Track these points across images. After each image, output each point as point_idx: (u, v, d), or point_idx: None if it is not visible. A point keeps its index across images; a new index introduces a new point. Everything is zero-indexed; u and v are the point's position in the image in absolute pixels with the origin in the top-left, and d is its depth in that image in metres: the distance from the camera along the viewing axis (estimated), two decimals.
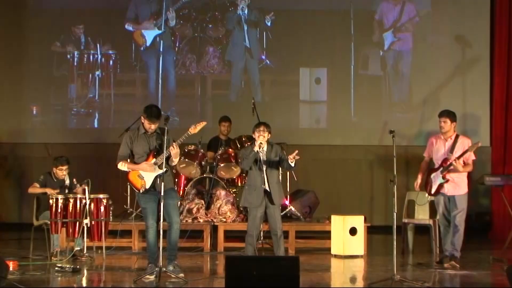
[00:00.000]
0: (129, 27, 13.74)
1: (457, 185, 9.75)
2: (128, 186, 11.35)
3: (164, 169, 8.90)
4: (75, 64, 13.85)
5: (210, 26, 13.92)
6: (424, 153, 10.11)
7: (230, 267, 7.61)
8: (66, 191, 10.56)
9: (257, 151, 9.32)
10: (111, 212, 10.46)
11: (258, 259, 8.40)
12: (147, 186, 8.97)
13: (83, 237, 10.12)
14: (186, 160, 11.56)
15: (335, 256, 10.71)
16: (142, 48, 13.75)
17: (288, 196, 11.80)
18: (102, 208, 10.15)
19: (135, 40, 13.79)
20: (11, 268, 8.96)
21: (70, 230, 10.08)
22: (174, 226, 9.02)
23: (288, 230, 11.00)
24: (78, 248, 10.19)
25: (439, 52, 13.75)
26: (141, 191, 8.99)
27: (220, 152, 11.77)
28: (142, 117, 9.05)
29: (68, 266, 9.42)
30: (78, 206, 10.07)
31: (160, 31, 13.71)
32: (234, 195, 11.63)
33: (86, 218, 9.99)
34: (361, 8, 13.73)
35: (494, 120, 13.52)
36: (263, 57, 13.85)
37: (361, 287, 9.25)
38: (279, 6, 13.85)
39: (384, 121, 13.69)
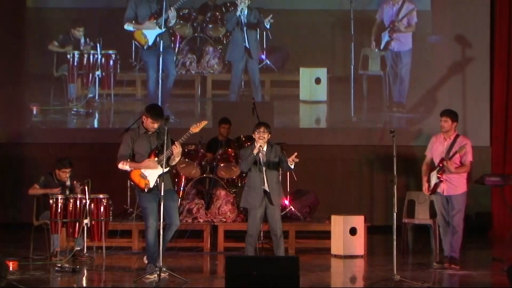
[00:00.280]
0: (129, 27, 13.72)
1: (454, 185, 9.74)
2: (128, 185, 11.37)
3: (167, 169, 8.96)
4: (75, 64, 13.84)
5: (210, 26, 13.93)
6: (426, 152, 10.08)
7: (230, 267, 7.62)
8: (67, 192, 10.56)
9: (256, 153, 9.32)
10: (111, 212, 10.46)
11: (258, 259, 8.40)
12: (151, 186, 8.97)
13: (83, 237, 10.12)
14: (186, 160, 11.57)
15: (335, 256, 10.71)
16: (145, 47, 13.74)
17: (288, 196, 11.81)
18: (102, 208, 10.16)
19: (137, 40, 13.78)
20: (11, 268, 8.97)
21: (70, 230, 10.08)
22: (173, 228, 9.03)
23: (288, 230, 11.00)
24: (78, 248, 10.19)
25: (439, 52, 13.75)
26: (146, 190, 8.98)
27: (220, 152, 11.77)
28: (144, 117, 9.06)
29: (68, 266, 9.42)
30: (78, 206, 10.07)
31: (161, 31, 13.70)
32: (234, 195, 11.62)
33: (86, 218, 10.00)
34: (361, 8, 13.73)
35: (494, 120, 13.52)
36: (263, 57, 13.85)
37: (361, 287, 9.25)
38: (279, 6, 13.85)
39: (384, 121, 13.69)
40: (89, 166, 12.66)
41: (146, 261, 9.26)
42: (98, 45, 13.78)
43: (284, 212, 11.44)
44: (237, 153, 11.59)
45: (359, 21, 13.70)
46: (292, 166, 9.36)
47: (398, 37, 13.74)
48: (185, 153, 11.55)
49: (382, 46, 13.77)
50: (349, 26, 13.67)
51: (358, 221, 10.80)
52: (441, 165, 9.74)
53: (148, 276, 8.84)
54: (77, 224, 10.04)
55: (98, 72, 13.81)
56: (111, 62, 13.84)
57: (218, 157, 11.70)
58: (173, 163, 9.21)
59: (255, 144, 9.42)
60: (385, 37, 13.72)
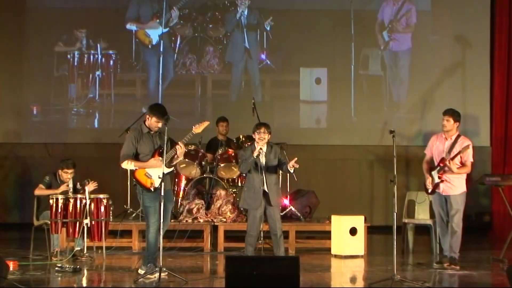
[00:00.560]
0: (132, 26, 13.74)
1: (453, 185, 9.73)
2: (128, 185, 11.37)
3: (171, 168, 9.06)
4: (75, 64, 13.85)
5: (210, 26, 13.93)
6: (426, 150, 10.08)
7: (230, 267, 7.62)
8: (69, 194, 10.55)
9: (257, 156, 9.32)
10: (111, 212, 10.45)
11: (258, 259, 8.40)
12: (156, 185, 8.97)
13: (83, 237, 10.12)
14: (186, 160, 11.56)
15: (335, 256, 10.71)
16: (149, 46, 13.75)
17: (288, 196, 11.81)
18: (102, 208, 10.15)
19: (140, 39, 13.78)
20: (11, 268, 8.96)
21: (70, 230, 10.08)
22: (164, 228, 9.02)
23: (288, 230, 11.00)
24: (78, 248, 10.19)
25: (439, 52, 13.76)
26: (152, 189, 8.98)
27: (220, 152, 11.78)
28: (148, 116, 9.07)
29: (68, 266, 9.42)
30: (78, 206, 10.07)
31: (165, 30, 13.71)
32: (234, 195, 11.63)
33: (86, 218, 10.00)
34: (361, 8, 13.74)
35: (494, 120, 13.53)
36: (264, 57, 13.85)
37: (361, 287, 9.25)
38: (279, 6, 13.86)
39: (384, 121, 13.70)
40: (89, 166, 12.66)
41: (139, 266, 9.23)
42: (98, 45, 13.79)
43: (284, 212, 11.45)
44: (237, 153, 11.60)
45: (359, 21, 13.70)
46: (292, 171, 9.36)
47: (397, 37, 13.75)
48: (185, 153, 11.51)
49: (382, 46, 13.78)
50: (349, 26, 13.68)
51: (358, 221, 10.80)
52: (441, 164, 9.73)
53: (148, 276, 8.84)
54: (77, 224, 10.04)
55: (98, 72, 13.82)
56: (111, 62, 13.85)
57: (218, 157, 11.71)
58: (174, 162, 9.23)
59: (255, 146, 9.41)
60: (385, 37, 13.73)
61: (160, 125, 9.02)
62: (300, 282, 7.61)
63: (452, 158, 9.65)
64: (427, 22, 13.81)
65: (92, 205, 10.09)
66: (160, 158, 8.97)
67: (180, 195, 11.75)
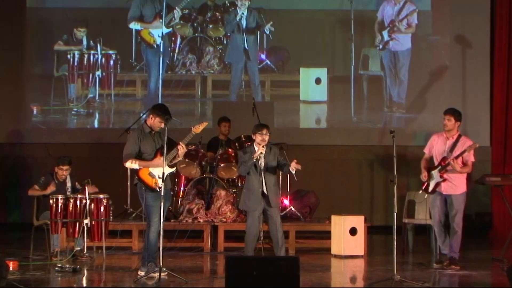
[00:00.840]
0: (136, 25, 13.74)
1: (454, 185, 9.73)
2: (128, 186, 11.37)
3: (174, 168, 9.16)
4: (75, 64, 13.84)
5: (210, 26, 13.93)
6: (425, 149, 10.08)
7: (230, 267, 7.62)
8: (68, 192, 10.55)
9: (256, 159, 9.32)
10: (111, 212, 10.46)
11: (258, 259, 8.40)
12: (160, 184, 8.98)
13: (83, 237, 10.12)
14: (186, 160, 11.56)
15: (335, 256, 10.71)
16: (155, 46, 13.76)
17: (288, 196, 11.81)
18: (102, 208, 10.16)
19: (144, 39, 13.77)
20: (11, 268, 8.96)
21: (70, 230, 10.08)
22: (159, 227, 9.02)
23: (288, 230, 11.00)
24: (78, 248, 10.19)
25: (439, 52, 13.75)
26: (157, 189, 8.99)
27: (220, 152, 11.78)
28: (151, 116, 9.09)
29: (68, 266, 9.42)
30: (78, 206, 10.07)
31: (167, 30, 13.72)
32: (234, 195, 11.62)
33: (86, 218, 10.00)
34: (361, 8, 13.73)
35: (494, 120, 13.52)
36: (264, 57, 13.85)
37: (361, 287, 9.25)
38: (279, 6, 13.86)
39: (384, 121, 13.69)
40: (89, 166, 12.67)
41: (139, 267, 9.24)
42: (98, 45, 13.79)
43: (284, 212, 11.45)
44: (237, 153, 11.60)
45: (359, 21, 13.70)
46: (293, 172, 9.35)
47: (397, 37, 13.74)
48: (185, 153, 11.53)
49: (381, 46, 13.78)
50: (349, 26, 13.67)
51: (358, 221, 10.80)
52: (443, 164, 9.73)
53: (151, 274, 8.84)
54: (77, 224, 10.04)
55: (98, 72, 13.81)
56: (111, 62, 13.85)
57: (218, 157, 11.71)
58: (174, 162, 9.25)
59: (254, 148, 9.40)
60: (385, 37, 13.73)
61: (163, 125, 9.05)
62: (300, 282, 7.61)
63: (457, 157, 9.64)
64: (427, 22, 13.80)
65: (92, 205, 10.10)
66: (162, 157, 9.00)
67: (180, 195, 11.74)
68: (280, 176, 9.58)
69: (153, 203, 9.00)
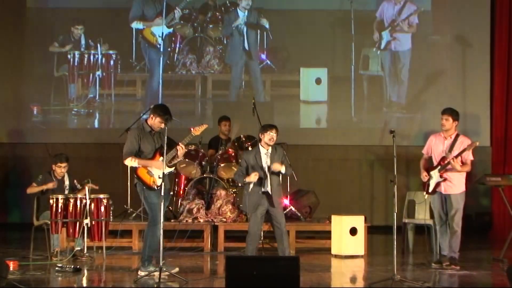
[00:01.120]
0: (138, 25, 13.75)
1: (453, 184, 9.74)
2: (128, 186, 11.37)
3: (173, 168, 9.17)
4: (75, 64, 13.85)
5: (210, 26, 13.94)
6: (424, 150, 10.09)
7: (230, 267, 7.62)
8: (66, 191, 10.56)
9: (247, 183, 9.35)
10: (111, 212, 10.46)
11: (258, 259, 8.40)
12: (158, 183, 9.00)
13: (83, 237, 10.12)
14: (186, 160, 11.56)
15: (335, 256, 10.71)
16: (158, 45, 13.76)
17: (288, 196, 11.80)
18: (102, 208, 10.16)
19: (147, 38, 13.79)
20: (11, 268, 8.96)
21: (71, 230, 10.08)
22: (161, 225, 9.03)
23: (288, 230, 10.97)
24: (79, 248, 10.19)
25: (439, 52, 13.76)
26: (155, 187, 9.01)
27: (220, 152, 11.78)
28: (152, 116, 9.10)
29: (68, 266, 9.42)
30: (78, 206, 10.07)
31: (168, 30, 13.73)
32: (234, 195, 11.63)
33: (86, 218, 10.00)
34: (361, 8, 13.74)
35: (494, 120, 13.53)
36: (264, 57, 13.86)
37: (361, 287, 9.25)
38: (279, 6, 13.87)
39: (384, 121, 13.70)
40: (89, 166, 12.67)
41: (139, 267, 9.25)
42: (98, 45, 13.80)
43: (284, 212, 11.44)
44: (237, 153, 11.60)
45: (359, 21, 13.71)
46: (283, 171, 9.37)
47: (398, 37, 13.75)
48: (185, 153, 11.54)
49: (382, 46, 13.78)
50: (349, 26, 13.68)
51: (358, 221, 10.80)
52: (442, 163, 9.73)
53: (171, 272, 8.89)
54: (78, 224, 10.04)
55: (98, 72, 13.82)
56: (112, 62, 13.86)
57: (218, 157, 11.71)
58: (173, 163, 9.25)
59: (259, 148, 9.40)
60: (386, 37, 13.73)
61: (163, 125, 9.06)
62: (300, 282, 7.61)
63: (456, 156, 9.64)
64: (427, 22, 13.81)
65: (92, 205, 10.10)
66: (161, 157, 9.01)
67: (180, 195, 11.75)
68: (280, 176, 9.56)
69: (156, 200, 9.03)
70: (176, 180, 11.83)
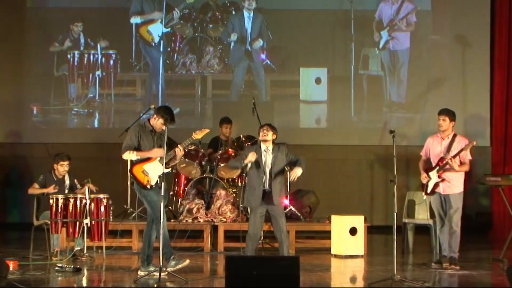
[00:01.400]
0: (136, 19, 13.75)
1: (452, 184, 9.75)
2: (129, 186, 11.36)
3: (169, 169, 9.17)
4: (75, 64, 13.85)
5: (210, 26, 13.94)
6: (421, 152, 10.10)
7: (230, 267, 7.62)
8: (66, 191, 10.56)
9: (245, 164, 9.35)
10: (111, 212, 10.46)
11: (258, 259, 8.40)
12: (153, 183, 9.03)
13: (83, 237, 10.12)
14: (186, 160, 11.57)
15: (335, 256, 10.71)
16: (153, 44, 13.76)
17: (288, 196, 11.80)
18: (102, 208, 10.16)
19: (143, 36, 13.78)
20: (11, 268, 8.96)
21: (70, 230, 10.08)
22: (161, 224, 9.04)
23: (288, 230, 10.98)
24: (78, 248, 10.20)
25: (439, 52, 13.75)
26: (148, 187, 9.03)
27: (220, 152, 11.78)
28: (155, 116, 9.11)
29: (68, 266, 9.42)
30: (78, 206, 10.07)
31: (167, 30, 13.73)
32: (234, 195, 11.63)
33: (86, 218, 10.00)
34: (361, 8, 13.74)
35: (494, 120, 13.52)
36: (264, 57, 13.85)
37: (361, 287, 9.25)
38: (280, 6, 13.86)
39: (384, 121, 13.70)
40: (89, 166, 12.66)
41: (139, 267, 9.26)
42: (98, 45, 13.80)
43: (284, 212, 11.43)
44: (237, 153, 11.60)
45: (359, 21, 13.71)
46: (300, 173, 9.42)
47: (397, 36, 13.75)
48: (185, 153, 11.56)
49: (381, 46, 13.78)
50: (349, 26, 13.68)
51: (358, 221, 10.80)
52: (441, 164, 9.74)
53: (180, 265, 8.94)
54: (77, 224, 10.04)
55: (98, 72, 13.82)
56: (111, 62, 13.85)
57: (218, 157, 11.71)
58: (171, 164, 9.29)
59: (260, 146, 9.40)
60: (384, 36, 13.73)
61: (164, 128, 9.08)
62: (300, 282, 7.61)
63: (454, 156, 9.66)
64: (427, 22, 13.81)
65: (92, 205, 10.10)
66: (161, 149, 9.06)
67: (180, 195, 11.75)
68: (284, 174, 9.57)
69: (155, 198, 9.06)
70: (176, 180, 11.84)
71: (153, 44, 13.75)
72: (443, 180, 9.72)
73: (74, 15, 13.86)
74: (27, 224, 10.96)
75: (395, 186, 8.81)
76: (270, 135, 9.42)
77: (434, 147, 9.92)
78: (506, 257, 10.20)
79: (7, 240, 12.52)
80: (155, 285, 8.55)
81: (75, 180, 10.71)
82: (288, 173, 9.68)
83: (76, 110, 13.86)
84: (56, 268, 9.45)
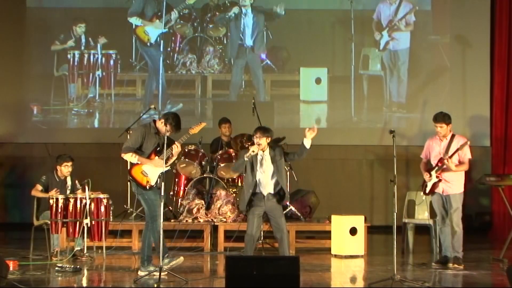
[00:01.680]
0: (137, 21, 13.73)
1: (452, 184, 9.77)
2: (128, 186, 11.36)
3: (168, 168, 9.17)
4: (75, 63, 13.85)
5: (210, 26, 13.94)
6: (422, 154, 10.13)
7: (230, 267, 7.62)
8: (68, 192, 10.56)
9: (247, 158, 9.31)
10: (111, 212, 10.46)
11: (258, 259, 8.39)
12: (152, 183, 9.04)
13: (83, 237, 10.12)
14: (186, 160, 11.57)
15: (335, 256, 10.71)
16: (148, 44, 13.76)
17: (288, 196, 11.79)
18: (102, 208, 10.15)
19: (139, 36, 13.77)
20: (11, 268, 8.96)
21: (70, 230, 10.08)
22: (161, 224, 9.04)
23: (288, 230, 10.97)
24: (78, 248, 10.20)
25: (439, 52, 13.75)
26: (148, 188, 9.04)
27: (220, 152, 11.77)
28: (163, 120, 9.09)
29: (68, 266, 9.42)
30: (78, 206, 10.07)
31: (164, 30, 13.72)
32: (234, 195, 11.62)
33: (86, 218, 10.00)
34: (361, 8, 13.73)
35: (494, 120, 13.52)
36: (264, 57, 13.85)
37: (361, 287, 9.25)
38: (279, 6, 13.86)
39: (384, 121, 13.70)
40: (89, 166, 12.66)
41: (138, 267, 9.26)
42: (98, 44, 13.79)
43: (284, 212, 11.43)
44: (238, 152, 11.59)
45: (359, 21, 13.70)
46: (308, 146, 9.30)
47: (396, 36, 13.75)
48: (185, 153, 11.57)
49: (381, 46, 13.78)
50: (349, 26, 13.68)
51: (358, 221, 10.80)
52: (439, 164, 9.75)
53: (174, 262, 8.95)
54: (77, 224, 10.04)
55: (98, 72, 13.82)
56: (112, 62, 13.85)
57: (218, 157, 11.70)
58: (170, 162, 9.28)
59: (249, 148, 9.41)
60: (384, 37, 13.73)
61: (168, 134, 9.06)
62: (300, 282, 7.61)
63: (450, 156, 9.69)
64: (427, 21, 13.80)
65: (92, 205, 10.09)
66: (157, 157, 9.04)
67: (180, 195, 11.75)
68: (286, 173, 9.56)
69: (154, 196, 9.08)
70: (176, 180, 11.83)
71: (149, 45, 13.73)
72: (440, 180, 9.74)
73: (74, 15, 13.85)
74: (27, 224, 10.96)
75: (395, 186, 8.81)
76: (264, 141, 9.32)
77: (433, 149, 9.95)
78: (506, 257, 10.20)
79: (7, 240, 12.52)
80: (155, 285, 8.55)
81: (76, 182, 10.70)
82: (288, 173, 9.65)
83: (76, 110, 13.86)
84: (56, 268, 9.45)
